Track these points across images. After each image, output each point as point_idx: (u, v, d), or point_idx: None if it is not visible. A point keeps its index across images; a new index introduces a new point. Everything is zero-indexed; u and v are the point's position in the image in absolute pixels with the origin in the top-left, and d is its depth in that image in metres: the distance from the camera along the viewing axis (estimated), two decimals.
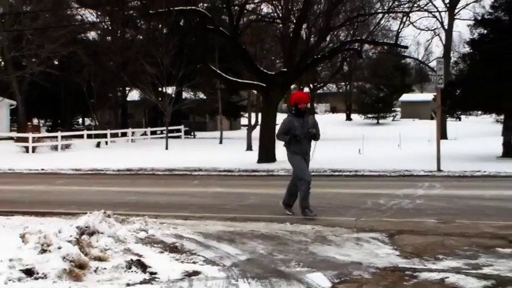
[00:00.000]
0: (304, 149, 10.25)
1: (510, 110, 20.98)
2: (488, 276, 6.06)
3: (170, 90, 38.50)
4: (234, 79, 26.00)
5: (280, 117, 42.92)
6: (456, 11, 42.56)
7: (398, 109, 66.85)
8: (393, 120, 62.53)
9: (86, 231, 7.54)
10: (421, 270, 6.40)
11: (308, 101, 10.67)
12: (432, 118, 52.79)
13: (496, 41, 20.36)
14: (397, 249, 7.49)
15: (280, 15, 30.39)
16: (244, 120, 46.88)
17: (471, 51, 21.71)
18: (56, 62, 44.02)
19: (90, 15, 44.05)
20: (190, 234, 8.54)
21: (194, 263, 6.96)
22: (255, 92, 33.01)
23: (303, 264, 6.74)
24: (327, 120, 59.01)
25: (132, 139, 42.28)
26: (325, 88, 58.94)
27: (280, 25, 30.55)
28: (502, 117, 22.39)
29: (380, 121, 60.38)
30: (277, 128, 10.91)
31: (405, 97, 67.18)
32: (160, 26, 40.17)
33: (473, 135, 39.21)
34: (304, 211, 10.15)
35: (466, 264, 6.63)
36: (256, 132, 25.53)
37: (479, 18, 21.21)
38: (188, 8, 20.99)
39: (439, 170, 16.96)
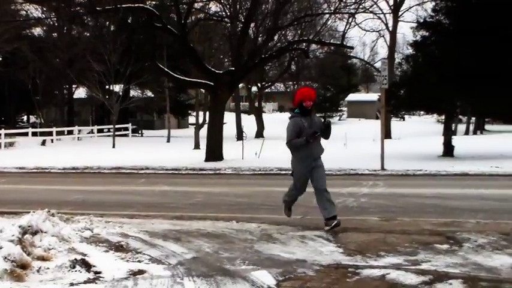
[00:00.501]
0: (316, 151, 8.64)
1: (450, 111, 21.58)
2: (426, 272, 6.25)
3: (117, 88, 38.13)
4: (181, 77, 25.95)
5: (229, 116, 42.94)
6: (400, 13, 43.43)
7: (345, 109, 67.77)
8: (340, 119, 63.34)
9: (29, 230, 7.42)
10: (363, 267, 6.54)
11: (315, 98, 8.74)
12: (377, 118, 53.73)
13: (437, 43, 20.92)
14: (341, 246, 7.62)
15: (229, 14, 30.50)
16: (192, 119, 46.73)
17: (414, 53, 22.22)
18: (0, 58, 42.96)
19: (35, 10, 43.14)
20: (136, 232, 8.52)
21: (139, 261, 6.96)
22: (203, 90, 32.97)
23: (248, 262, 6.81)
24: (275, 120, 59.35)
25: (78, 137, 41.68)
26: (273, 87, 59.14)
27: (229, 24, 30.64)
28: (443, 117, 22.97)
29: (327, 120, 61.03)
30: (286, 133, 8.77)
31: (351, 97, 68.14)
32: (107, 23, 39.74)
33: (416, 135, 40.07)
34: (284, 207, 9.35)
35: (406, 260, 6.81)
36: (204, 131, 25.51)
37: (421, 21, 21.72)
38: (136, 5, 20.83)
39: (383, 168, 17.30)
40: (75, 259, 6.71)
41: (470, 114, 36.95)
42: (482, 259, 6.80)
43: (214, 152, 21.68)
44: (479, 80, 18.32)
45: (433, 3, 22.10)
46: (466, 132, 44.78)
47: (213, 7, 33.52)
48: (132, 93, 46.21)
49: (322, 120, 8.77)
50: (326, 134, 8.67)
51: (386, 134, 28.63)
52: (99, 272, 6.42)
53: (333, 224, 8.47)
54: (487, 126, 48.80)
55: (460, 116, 41.07)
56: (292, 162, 8.90)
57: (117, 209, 11.13)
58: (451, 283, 5.86)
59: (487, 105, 20.41)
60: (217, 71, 23.09)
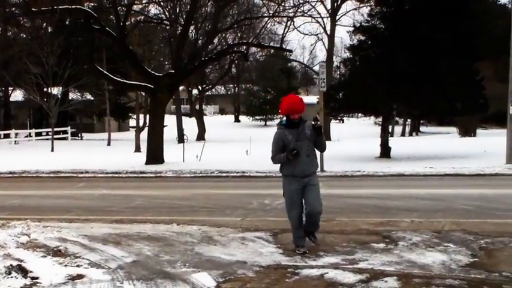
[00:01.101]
0: (301, 169, 7.28)
1: (386, 113, 22.07)
2: (363, 270, 6.43)
3: (56, 90, 37.35)
4: (121, 80, 25.68)
5: (169, 119, 42.65)
6: (337, 17, 44.12)
7: None
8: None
9: None
10: (302, 267, 6.66)
11: (302, 109, 7.35)
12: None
13: (373, 47, 21.41)
14: (280, 247, 7.73)
15: (168, 16, 30.37)
16: (133, 122, 46.25)
17: (351, 56, 22.63)
18: None
19: None
20: (75, 237, 8.42)
21: (78, 266, 6.89)
22: (143, 93, 32.71)
23: (189, 265, 6.84)
24: (216, 122, 59.39)
25: (15, 141, 40.66)
26: (213, 90, 59.09)
27: (168, 27, 30.50)
28: (380, 119, 23.48)
29: (268, 123, 61.45)
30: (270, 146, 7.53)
31: None
32: (44, 24, 38.87)
33: (355, 137, 40.80)
34: (293, 237, 7.66)
35: (344, 259, 6.97)
36: (145, 134, 25.32)
37: (358, 25, 22.11)
38: (73, 7, 20.52)
39: (322, 170, 17.53)
40: (11, 265, 6.59)
41: (405, 116, 37.86)
42: (416, 257, 7.03)
43: (155, 154, 21.56)
44: (412, 83, 18.87)
45: (369, 8, 22.60)
46: (403, 134, 45.86)
47: (153, 9, 33.37)
48: (71, 95, 45.36)
49: (313, 123, 7.34)
50: (319, 144, 7.49)
51: (326, 136, 28.96)
52: (36, 278, 6.34)
53: (302, 251, 7.36)
54: (422, 128, 50.08)
55: (397, 118, 42.08)
56: (282, 181, 7.59)
57: (55, 213, 10.93)
58: (386, 280, 6.04)
59: (418, 106, 21.02)
60: (157, 74, 22.98)
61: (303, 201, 7.41)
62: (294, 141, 7.24)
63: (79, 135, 47.97)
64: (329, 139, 36.54)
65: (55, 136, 36.26)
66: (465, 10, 19.89)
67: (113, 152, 30.33)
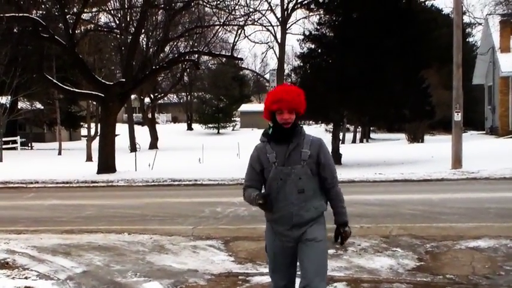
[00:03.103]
0: (288, 211, 4.35)
1: (337, 120, 22.37)
2: None
3: (4, 99, 36.60)
4: (71, 89, 25.37)
5: (121, 128, 42.24)
6: (288, 26, 44.45)
7: (238, 119, 68.43)
8: (233, 129, 63.94)
9: None
10: (253, 275, 6.73)
11: (298, 105, 4.34)
12: (269, 128, 54.70)
13: (322, 55, 21.71)
14: (232, 255, 7.79)
15: (119, 25, 30.14)
16: (84, 131, 45.66)
17: (302, 64, 22.86)
18: None
19: None
20: (24, 248, 8.30)
21: (26, 278, 6.81)
22: (94, 102, 32.36)
23: (140, 274, 6.84)
24: (169, 131, 59.11)
25: None
26: (166, 98, 58.80)
27: (119, 35, 30.27)
28: (331, 126, 23.78)
29: (220, 131, 61.51)
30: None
31: (244, 107, 68.94)
32: None
33: None
34: None
35: None
36: (96, 143, 25.05)
37: (307, 33, 22.35)
38: (20, 15, 20.17)
39: None
40: None
41: (356, 123, 38.39)
42: (364, 262, 7.18)
43: (107, 164, 21.36)
44: (361, 90, 19.20)
45: (318, 17, 22.88)
46: (353, 141, 46.47)
47: (103, 18, 33.05)
48: (20, 105, 44.45)
49: (306, 147, 4.33)
50: (329, 180, 4.44)
51: None
52: None
53: None
54: (373, 135, 50.87)
55: (348, 125, 42.66)
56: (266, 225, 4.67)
57: (3, 224, 10.73)
58: (335, 286, 6.16)
59: (368, 113, 21.40)
60: (107, 83, 22.77)
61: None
62: (278, 165, 4.28)
63: (29, 144, 47.07)
64: None
65: (4, 146, 35.53)
66: (411, 19, 20.36)
67: (64, 161, 29.91)
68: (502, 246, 7.73)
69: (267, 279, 6.43)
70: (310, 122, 23.90)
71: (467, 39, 44.64)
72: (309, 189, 4.31)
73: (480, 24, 40.80)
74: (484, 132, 38.43)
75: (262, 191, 4.42)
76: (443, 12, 45.60)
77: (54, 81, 23.79)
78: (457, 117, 18.43)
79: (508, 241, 7.95)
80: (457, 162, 18.04)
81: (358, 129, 47.52)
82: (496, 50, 33.01)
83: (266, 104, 4.37)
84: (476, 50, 42.57)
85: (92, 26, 28.35)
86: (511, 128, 31.84)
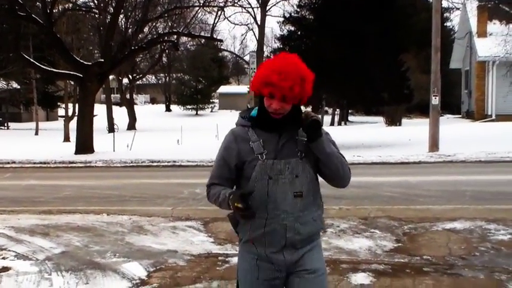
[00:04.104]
0: (279, 224, 3.06)
1: (315, 102, 22.44)
2: None
3: None
4: (49, 69, 25.09)
5: (99, 108, 41.94)
6: (268, 7, 44.42)
7: (217, 101, 68.27)
8: (212, 111, 63.77)
9: None
10: (233, 255, 6.73)
11: (293, 96, 2.97)
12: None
13: (302, 37, 21.71)
14: (211, 236, 7.82)
15: (97, 4, 29.81)
16: (61, 111, 45.23)
17: (281, 46, 22.81)
18: None
19: None
20: (1, 229, 8.25)
21: (4, 258, 6.77)
22: (72, 82, 32.05)
23: (119, 255, 6.84)
24: (147, 112, 58.80)
25: None
26: (144, 79, 58.46)
27: (97, 15, 29.95)
28: (310, 109, 23.83)
29: (199, 112, 61.31)
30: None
31: (223, 89, 68.78)
32: None
33: None
34: None
35: None
36: (74, 123, 24.86)
37: (287, 16, 22.32)
38: None
39: None
40: None
41: (334, 105, 38.52)
42: (343, 243, 7.26)
43: (85, 144, 21.23)
44: (340, 73, 19.25)
45: None
46: (332, 123, 46.62)
47: None
48: None
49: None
50: (329, 165, 3.16)
51: None
52: None
53: None
54: (351, 118, 51.06)
55: (326, 108, 42.77)
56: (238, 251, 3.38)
57: None
58: None
59: (346, 96, 21.49)
60: (86, 63, 22.57)
61: None
62: (268, 157, 3.07)
63: (5, 124, 46.56)
64: None
65: None
66: (390, 2, 20.41)
67: (41, 141, 29.65)
68: (477, 227, 7.85)
69: None
70: None
71: (445, 24, 44.81)
72: (308, 192, 3.07)
73: (458, 9, 40.94)
74: (461, 116, 38.78)
75: None
76: None
77: (31, 60, 23.50)
78: (435, 100, 18.58)
79: (483, 223, 8.08)
80: (434, 145, 18.22)
81: (336, 112, 47.68)
82: (473, 34, 33.22)
83: (255, 80, 3.06)
84: (454, 34, 42.81)
85: (70, 5, 28.03)
86: (487, 112, 32.19)
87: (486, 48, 29.17)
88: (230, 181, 3.18)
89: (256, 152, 3.05)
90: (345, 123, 47.70)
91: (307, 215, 3.09)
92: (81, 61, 22.70)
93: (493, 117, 31.10)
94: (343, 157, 3.22)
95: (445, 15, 44.01)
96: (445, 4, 39.37)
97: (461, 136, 21.46)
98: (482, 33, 32.00)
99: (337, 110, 45.75)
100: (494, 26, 28.65)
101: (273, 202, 3.02)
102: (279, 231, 3.05)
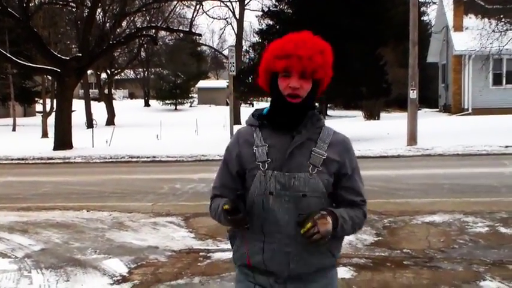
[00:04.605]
0: (281, 254, 2.49)
1: None
2: None
3: None
4: (26, 63, 24.84)
5: (78, 103, 41.76)
6: (246, 1, 44.32)
7: (196, 95, 68.07)
8: (191, 106, 63.56)
9: None
10: (214, 251, 6.76)
11: (316, 68, 2.51)
12: (227, 104, 54.64)
13: (281, 31, 21.69)
14: (192, 231, 7.81)
15: None
16: (39, 107, 44.83)
17: (260, 40, 22.81)
18: None
19: None
20: None
21: None
22: (50, 77, 31.77)
23: (100, 251, 6.81)
24: (126, 107, 58.47)
25: None
26: (122, 74, 58.08)
27: (75, 9, 29.69)
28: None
29: (178, 107, 61.06)
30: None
31: (202, 84, 68.60)
32: None
33: None
34: None
35: None
36: (52, 119, 24.66)
37: (266, 9, 22.33)
38: None
39: None
40: None
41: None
42: None
43: (63, 140, 21.07)
44: None
45: None
46: None
47: None
48: None
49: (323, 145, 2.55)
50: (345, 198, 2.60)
51: (236, 119, 29.18)
52: None
53: None
54: (330, 112, 51.24)
55: None
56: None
57: None
58: None
59: (325, 90, 21.50)
60: (63, 57, 22.37)
61: None
62: (270, 167, 2.50)
63: None
64: (239, 123, 36.70)
65: None
66: None
67: (19, 137, 29.40)
68: (456, 220, 7.94)
69: (227, 255, 6.46)
70: (269, 98, 23.92)
71: (422, 18, 45.11)
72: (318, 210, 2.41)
73: (435, 3, 41.30)
74: (438, 109, 39.09)
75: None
76: None
77: (8, 55, 23.24)
78: (413, 94, 18.70)
79: (461, 215, 8.17)
80: (412, 139, 18.36)
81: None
82: (450, 28, 33.48)
83: (265, 59, 2.57)
84: (431, 28, 43.08)
85: None
86: (463, 105, 32.49)
87: (462, 42, 29.39)
88: (233, 191, 2.54)
89: (258, 159, 2.50)
90: (324, 118, 47.77)
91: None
92: (59, 56, 22.50)
93: (470, 110, 31.38)
94: (363, 190, 2.61)
95: (422, 9, 44.26)
96: None
97: (438, 130, 21.65)
98: (459, 27, 32.25)
99: (316, 104, 45.87)
100: (470, 20, 28.88)
101: (274, 223, 2.46)
102: (280, 259, 2.48)
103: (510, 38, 21.93)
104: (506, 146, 16.62)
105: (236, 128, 19.78)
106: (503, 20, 22.19)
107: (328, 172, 2.50)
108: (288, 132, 2.51)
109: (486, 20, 23.34)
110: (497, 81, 31.07)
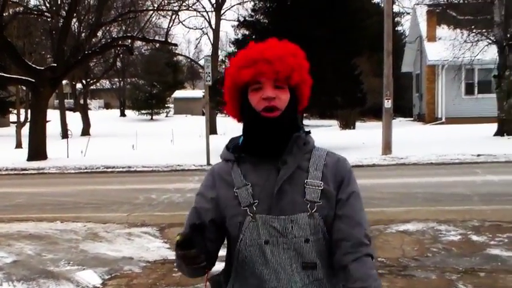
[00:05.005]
0: None
1: None
2: None
3: None
4: None
5: (52, 114, 41.42)
6: (222, 11, 44.38)
7: (172, 105, 67.91)
8: (167, 116, 63.36)
9: None
10: None
11: (289, 71, 2.11)
12: (203, 114, 54.59)
13: (256, 41, 21.74)
14: (167, 242, 7.79)
15: (49, 8, 29.39)
16: (13, 117, 44.37)
17: (236, 50, 22.87)
18: None
19: None
20: None
21: None
22: (24, 87, 31.51)
23: (73, 263, 6.76)
24: (101, 117, 58.10)
25: None
26: (98, 84, 57.71)
27: (50, 18, 29.53)
28: None
29: (154, 117, 60.83)
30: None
31: (178, 93, 68.43)
32: None
33: (240, 130, 41.17)
34: None
35: None
36: (26, 129, 24.42)
37: (242, 19, 22.41)
38: None
39: (208, 164, 17.67)
40: None
41: None
42: None
43: (37, 150, 20.89)
44: None
45: (252, 3, 22.94)
46: None
47: (33, 0, 32.15)
48: None
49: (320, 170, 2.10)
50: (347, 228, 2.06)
51: (212, 129, 29.25)
52: None
53: None
54: (305, 121, 51.42)
55: None
56: None
57: None
58: None
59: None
60: (38, 67, 22.22)
61: None
62: (259, 211, 2.04)
63: None
64: (215, 133, 36.73)
65: None
66: (343, 6, 20.65)
67: None
68: (429, 229, 8.02)
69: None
70: None
71: (396, 28, 45.64)
72: (323, 261, 2.05)
73: (408, 13, 41.78)
74: (412, 119, 39.50)
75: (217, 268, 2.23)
76: (374, 1, 46.44)
77: None
78: (388, 104, 18.87)
79: (435, 224, 8.26)
80: (387, 148, 18.51)
81: None
82: (423, 39, 33.91)
83: (229, 74, 2.16)
84: (405, 38, 43.59)
85: (21, 8, 27.56)
86: (437, 115, 32.86)
87: (436, 52, 29.77)
88: (208, 242, 2.01)
89: (243, 203, 2.02)
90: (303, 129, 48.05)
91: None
92: (33, 66, 22.34)
93: (443, 120, 31.77)
94: (366, 224, 2.09)
95: (396, 19, 44.76)
96: (396, 9, 40.17)
97: (413, 139, 21.85)
98: (432, 37, 32.67)
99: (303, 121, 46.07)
100: (443, 31, 29.27)
101: (275, 278, 2.02)
102: None
103: (481, 48, 22.30)
104: (479, 155, 16.84)
105: (213, 138, 19.79)
106: (474, 30, 22.56)
107: (330, 206, 2.04)
108: (271, 163, 2.04)
109: (458, 30, 23.72)
110: (469, 90, 31.49)
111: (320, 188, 2.03)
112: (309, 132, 2.17)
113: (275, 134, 2.03)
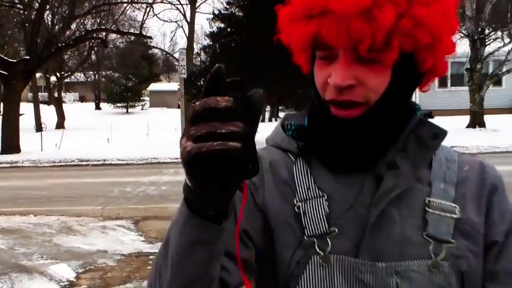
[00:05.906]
0: None
1: None
2: None
3: None
4: None
5: (26, 107, 41.09)
6: (197, 4, 44.20)
7: (147, 98, 67.63)
8: (142, 109, 63.12)
9: None
10: None
11: (387, 25, 0.96)
12: (179, 107, 54.47)
13: (232, 34, 21.81)
14: (142, 235, 7.79)
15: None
16: None
17: (211, 43, 22.89)
18: None
19: None
20: None
21: None
22: None
23: (47, 257, 6.74)
24: (76, 110, 57.65)
25: None
26: (73, 77, 57.21)
27: (22, 10, 29.18)
28: None
29: (129, 110, 60.53)
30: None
31: (153, 86, 68.17)
32: None
33: None
34: None
35: None
36: None
37: (217, 12, 22.41)
38: None
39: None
40: None
41: (265, 102, 38.64)
42: None
43: (11, 144, 20.71)
44: (270, 70, 19.43)
45: None
46: (262, 120, 47.02)
47: None
48: None
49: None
50: None
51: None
52: None
53: None
54: (281, 114, 51.59)
55: None
56: None
57: None
58: None
59: (277, 93, 21.74)
60: (10, 60, 21.98)
61: None
62: (347, 250, 1.06)
63: None
64: None
65: None
66: None
67: None
68: None
69: None
70: None
71: None
72: None
73: None
74: None
75: None
76: None
77: None
78: None
79: None
80: None
81: (267, 109, 48.08)
82: None
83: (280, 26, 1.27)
84: None
85: None
86: None
87: None
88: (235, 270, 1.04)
89: (309, 230, 1.09)
90: (275, 120, 48.18)
91: None
92: (6, 58, 22.08)
93: None
94: None
95: None
96: None
97: None
98: None
99: (268, 106, 46.15)
100: None
101: None
102: None
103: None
104: (451, 147, 16.96)
105: None
106: None
107: (473, 251, 1.10)
108: (358, 172, 1.13)
109: None
110: (442, 83, 31.81)
111: (454, 216, 1.10)
112: (430, 114, 1.28)
113: (356, 145, 1.11)
